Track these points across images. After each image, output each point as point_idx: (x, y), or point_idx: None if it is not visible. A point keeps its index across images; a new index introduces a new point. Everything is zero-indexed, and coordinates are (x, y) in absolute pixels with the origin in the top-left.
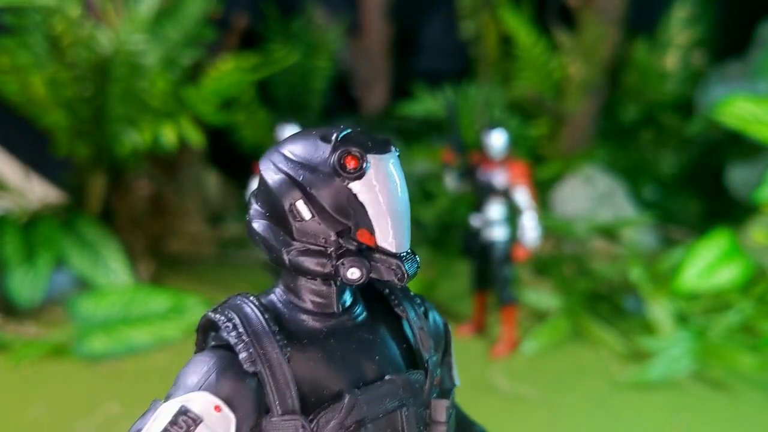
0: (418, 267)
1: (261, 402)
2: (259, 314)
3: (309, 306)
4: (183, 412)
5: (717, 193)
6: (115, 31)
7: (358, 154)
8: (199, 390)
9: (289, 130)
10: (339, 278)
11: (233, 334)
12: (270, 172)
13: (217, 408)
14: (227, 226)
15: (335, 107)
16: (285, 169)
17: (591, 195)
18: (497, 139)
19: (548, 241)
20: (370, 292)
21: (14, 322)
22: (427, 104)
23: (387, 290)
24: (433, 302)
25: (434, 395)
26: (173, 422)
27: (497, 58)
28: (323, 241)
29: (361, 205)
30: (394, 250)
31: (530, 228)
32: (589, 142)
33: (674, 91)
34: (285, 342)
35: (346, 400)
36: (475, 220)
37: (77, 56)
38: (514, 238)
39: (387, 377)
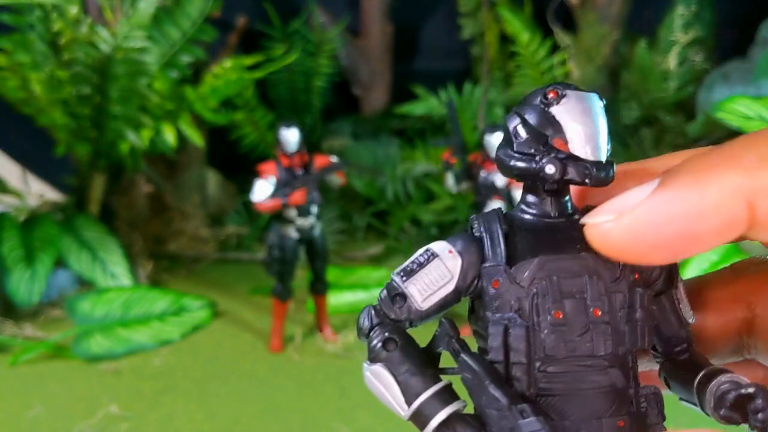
0: (612, 176)
1: (482, 256)
2: (495, 212)
3: (532, 210)
4: (426, 250)
5: None
6: (115, 30)
7: (559, 88)
8: (440, 241)
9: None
10: (543, 179)
11: (474, 224)
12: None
13: (450, 251)
14: (227, 226)
15: (335, 106)
16: (514, 109)
17: None
18: (497, 139)
19: None
20: None
21: (12, 322)
22: (427, 104)
23: None
24: None
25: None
26: (419, 255)
27: (497, 58)
28: (532, 150)
29: (558, 122)
30: (585, 157)
31: None
32: None
33: (675, 91)
34: (506, 226)
35: (537, 258)
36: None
37: (76, 55)
38: None
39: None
